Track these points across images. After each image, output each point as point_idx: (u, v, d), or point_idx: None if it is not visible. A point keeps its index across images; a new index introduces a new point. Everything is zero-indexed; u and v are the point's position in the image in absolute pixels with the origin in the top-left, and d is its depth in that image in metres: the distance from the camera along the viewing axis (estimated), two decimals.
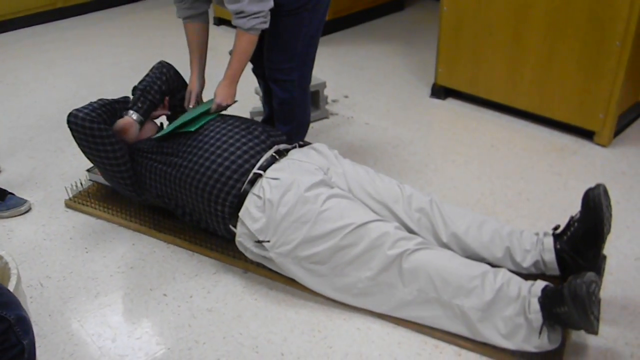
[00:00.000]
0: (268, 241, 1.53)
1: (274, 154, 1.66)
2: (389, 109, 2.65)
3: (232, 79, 1.87)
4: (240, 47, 1.80)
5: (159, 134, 1.78)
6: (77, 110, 1.71)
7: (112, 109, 1.80)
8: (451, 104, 2.67)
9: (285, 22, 1.84)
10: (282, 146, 1.72)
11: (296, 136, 2.09)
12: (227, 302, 1.60)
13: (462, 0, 2.42)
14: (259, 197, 1.55)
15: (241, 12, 1.72)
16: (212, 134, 1.70)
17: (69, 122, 1.71)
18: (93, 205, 2.01)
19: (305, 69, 1.99)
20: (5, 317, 0.97)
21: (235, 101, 1.92)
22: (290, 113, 2.05)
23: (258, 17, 1.73)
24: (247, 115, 2.59)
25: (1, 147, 2.48)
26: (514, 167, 2.18)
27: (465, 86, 2.60)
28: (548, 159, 2.22)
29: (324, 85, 2.52)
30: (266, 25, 1.76)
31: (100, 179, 2.06)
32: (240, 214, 1.58)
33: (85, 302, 1.63)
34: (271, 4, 1.74)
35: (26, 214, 2.03)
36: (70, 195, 2.07)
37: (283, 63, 1.93)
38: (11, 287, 1.20)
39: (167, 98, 1.95)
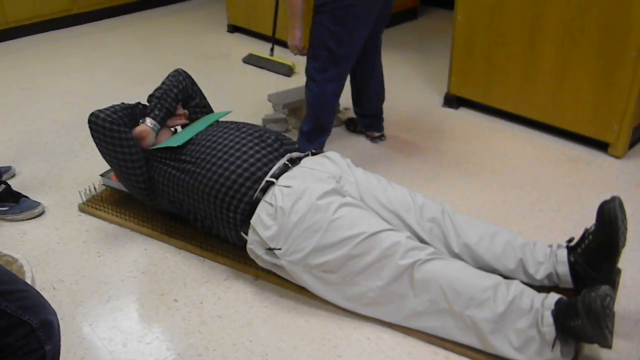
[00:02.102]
0: (279, 249, 1.53)
1: (286, 162, 1.66)
2: (402, 117, 2.65)
3: (292, 26, 2.06)
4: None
5: (159, 145, 1.80)
6: (99, 111, 1.74)
7: (132, 113, 1.83)
8: (464, 113, 2.67)
9: (314, 19, 1.99)
10: (294, 154, 1.72)
11: (314, 138, 2.13)
12: (238, 309, 1.61)
13: (476, 10, 2.42)
14: (270, 204, 1.56)
15: None
16: (225, 141, 1.71)
17: (90, 122, 1.74)
18: (106, 209, 2.02)
19: (329, 71, 2.04)
20: (27, 321, 0.97)
21: (304, 48, 2.11)
22: (310, 110, 2.13)
23: None
24: (259, 122, 2.61)
25: (16, 151, 2.51)
26: (526, 177, 2.16)
27: (478, 96, 2.60)
28: (561, 169, 2.20)
29: None
30: None
31: (114, 183, 2.08)
32: (252, 221, 1.58)
33: (97, 306, 1.64)
34: None
35: (40, 217, 2.05)
36: (84, 200, 2.09)
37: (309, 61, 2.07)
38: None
39: (186, 111, 1.97)
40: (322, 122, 2.14)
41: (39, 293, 1.06)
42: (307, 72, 2.10)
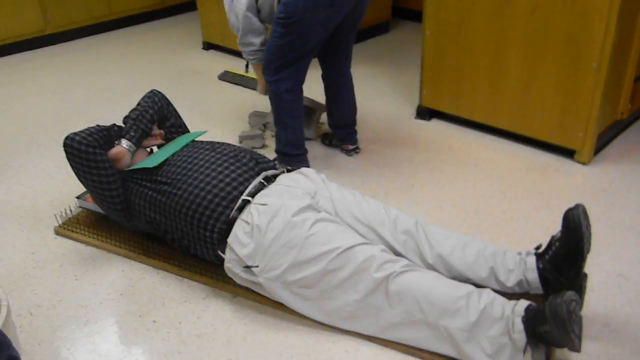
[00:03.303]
0: (257, 266, 1.55)
1: (262, 181, 1.69)
2: (376, 130, 2.70)
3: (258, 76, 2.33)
4: None
5: (135, 167, 1.82)
6: (74, 133, 1.75)
7: (107, 135, 1.84)
8: (436, 124, 2.73)
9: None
10: (270, 172, 1.75)
11: (280, 133, 2.23)
12: (217, 327, 1.62)
13: (443, 25, 2.49)
14: (247, 222, 1.58)
15: None
16: (201, 162, 1.73)
17: (65, 145, 1.74)
18: (82, 232, 2.02)
19: (281, 72, 2.14)
20: None
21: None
22: (272, 107, 2.24)
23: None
24: (236, 138, 2.63)
25: None
26: (497, 186, 2.22)
27: (448, 107, 2.66)
28: (530, 177, 2.27)
29: (323, 107, 2.56)
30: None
31: (90, 205, 2.08)
32: (229, 239, 1.60)
33: (75, 330, 1.64)
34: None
35: (15, 242, 2.04)
36: (60, 222, 2.08)
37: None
38: (1, 319, 1.21)
39: (162, 132, 1.99)
40: (282, 119, 2.21)
41: (2, 332, 1.06)
42: (264, 73, 2.19)
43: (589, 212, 1.51)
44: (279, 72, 2.13)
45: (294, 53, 2.09)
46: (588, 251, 1.49)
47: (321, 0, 1.97)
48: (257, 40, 2.15)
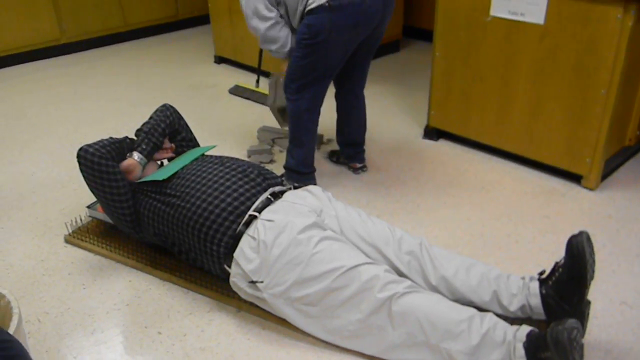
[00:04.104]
0: (262, 281, 1.57)
1: (269, 196, 1.71)
2: (383, 149, 2.72)
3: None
4: None
5: (145, 179, 1.85)
6: (87, 145, 1.79)
7: (119, 147, 1.88)
8: (443, 145, 2.75)
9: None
10: (277, 188, 1.77)
11: (294, 151, 2.28)
12: (220, 341, 1.63)
13: (453, 47, 2.53)
14: (253, 238, 1.60)
15: None
16: (210, 176, 1.76)
17: (79, 156, 1.78)
18: (92, 241, 2.05)
19: (303, 92, 2.17)
20: None
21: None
22: (289, 125, 2.28)
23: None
24: (244, 152, 2.67)
25: (4, 180, 2.53)
26: (503, 209, 2.23)
27: (456, 128, 2.69)
28: (537, 201, 2.28)
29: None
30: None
31: (100, 215, 2.11)
32: (235, 254, 1.62)
33: (82, 339, 1.66)
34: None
35: (26, 249, 2.07)
36: (70, 231, 2.12)
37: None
38: (13, 326, 1.23)
39: (173, 145, 2.03)
40: (297, 136, 2.25)
41: (20, 343, 1.09)
42: (284, 91, 2.22)
43: (594, 239, 1.52)
44: (300, 91, 2.16)
45: (316, 73, 2.12)
46: (592, 278, 1.49)
47: (345, 22, 2.01)
48: (272, 14, 2.09)
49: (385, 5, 2.09)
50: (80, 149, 1.79)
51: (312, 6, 1.98)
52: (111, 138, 1.89)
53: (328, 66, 2.12)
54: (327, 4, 1.96)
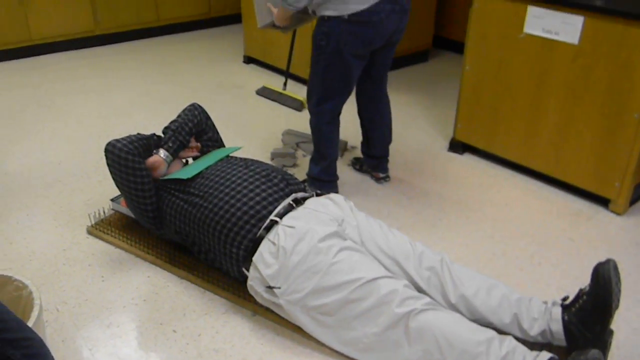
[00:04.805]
0: (279, 287, 1.57)
1: (291, 202, 1.71)
2: (407, 159, 2.70)
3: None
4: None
5: (169, 176, 1.86)
6: (116, 140, 1.81)
7: (146, 144, 1.90)
8: (468, 159, 2.72)
9: (312, 58, 2.11)
10: (299, 195, 1.77)
11: (317, 162, 2.28)
12: (234, 344, 1.63)
13: (484, 61, 2.50)
14: (273, 243, 1.60)
15: None
16: (233, 178, 1.76)
17: (106, 150, 1.80)
18: (113, 234, 2.07)
19: (322, 105, 2.17)
20: None
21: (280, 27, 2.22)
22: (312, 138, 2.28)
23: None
24: (268, 154, 2.67)
25: (31, 168, 2.57)
26: (527, 228, 2.20)
27: (483, 143, 2.65)
28: (562, 223, 2.23)
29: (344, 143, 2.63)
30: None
31: (123, 209, 2.13)
32: (254, 258, 1.62)
33: (98, 331, 1.68)
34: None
35: (49, 238, 2.10)
36: (93, 222, 2.14)
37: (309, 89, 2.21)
38: (33, 317, 1.25)
39: (198, 144, 2.04)
40: (320, 149, 2.25)
41: (41, 340, 1.10)
42: (307, 105, 2.23)
43: (619, 265, 1.49)
44: (321, 103, 2.17)
45: (335, 83, 2.12)
46: (616, 308, 1.46)
47: (363, 38, 2.01)
48: None
49: (400, 21, 2.09)
50: (109, 144, 1.81)
51: (329, 14, 1.98)
52: (139, 134, 1.91)
53: (346, 75, 2.11)
54: (346, 17, 1.95)
